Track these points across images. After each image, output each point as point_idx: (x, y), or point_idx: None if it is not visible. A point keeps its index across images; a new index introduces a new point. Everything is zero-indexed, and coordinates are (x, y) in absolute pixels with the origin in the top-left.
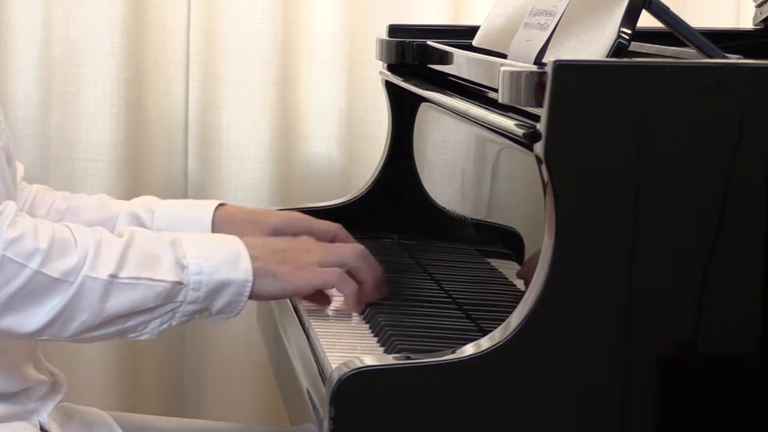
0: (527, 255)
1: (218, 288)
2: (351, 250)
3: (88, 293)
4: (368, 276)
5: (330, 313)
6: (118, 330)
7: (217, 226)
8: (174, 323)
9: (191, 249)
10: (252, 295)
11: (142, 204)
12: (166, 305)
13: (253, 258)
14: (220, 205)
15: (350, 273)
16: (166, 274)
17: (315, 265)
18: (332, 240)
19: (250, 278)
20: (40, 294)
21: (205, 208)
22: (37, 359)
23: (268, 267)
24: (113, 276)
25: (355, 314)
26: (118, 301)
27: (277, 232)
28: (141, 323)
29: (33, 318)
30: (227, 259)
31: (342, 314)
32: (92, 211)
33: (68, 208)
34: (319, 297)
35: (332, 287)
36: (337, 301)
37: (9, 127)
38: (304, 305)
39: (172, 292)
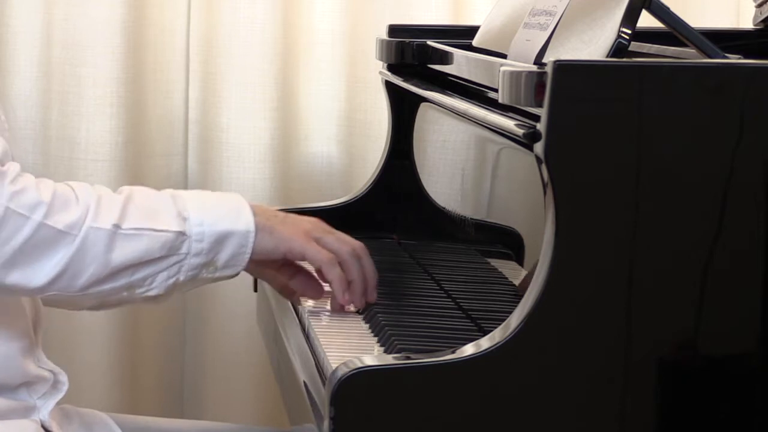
0: (527, 255)
1: (221, 239)
2: (352, 244)
3: (92, 244)
4: (357, 276)
5: (330, 313)
6: (126, 284)
7: None
8: (181, 278)
9: (192, 202)
10: (252, 254)
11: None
12: (171, 257)
13: (254, 213)
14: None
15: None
16: (169, 224)
17: (311, 236)
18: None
19: (252, 229)
20: (45, 247)
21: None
22: (37, 356)
23: (267, 223)
24: (116, 226)
25: (355, 314)
26: (124, 252)
27: None
28: (148, 276)
29: (40, 272)
30: (229, 211)
31: (342, 314)
32: None
33: None
34: (313, 286)
35: (319, 266)
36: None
37: (9, 127)
38: (304, 305)
39: (176, 243)
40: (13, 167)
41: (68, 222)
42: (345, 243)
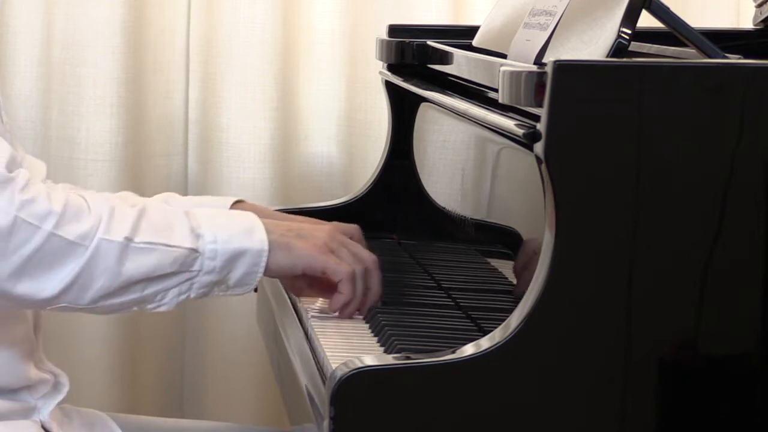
0: (525, 255)
1: (234, 257)
2: (366, 261)
3: (104, 256)
4: (359, 296)
5: (330, 313)
6: (136, 298)
7: None
8: (192, 295)
9: (206, 219)
10: (269, 271)
11: (162, 199)
12: (182, 273)
13: (268, 231)
14: (237, 201)
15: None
16: (182, 240)
17: (328, 248)
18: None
19: (266, 248)
20: (55, 258)
21: (222, 204)
22: (38, 358)
23: (282, 240)
24: (128, 239)
25: (355, 314)
26: (135, 265)
27: None
28: (159, 291)
29: (49, 283)
30: (242, 229)
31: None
32: None
33: None
34: (327, 288)
35: (338, 279)
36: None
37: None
38: (304, 305)
39: (188, 260)
40: (22, 175)
41: (80, 233)
42: (360, 260)
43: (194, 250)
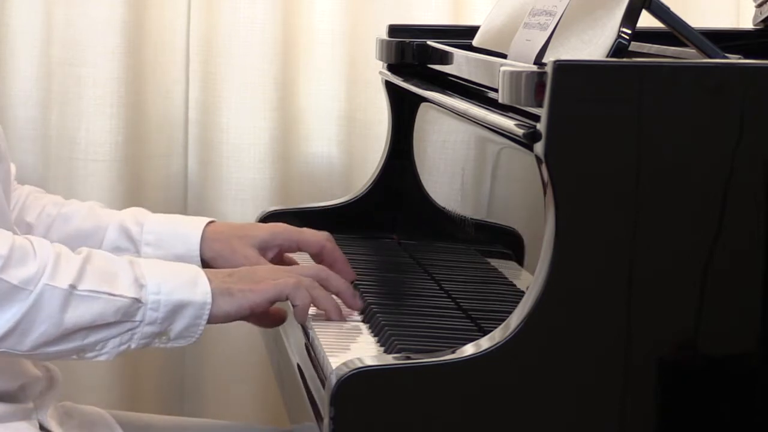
0: (527, 255)
1: (176, 309)
2: (310, 268)
3: (47, 303)
4: (340, 284)
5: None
6: (76, 347)
7: (205, 243)
8: (132, 346)
9: (150, 270)
10: (210, 318)
11: (131, 216)
12: (125, 323)
13: (210, 280)
14: (210, 222)
15: (324, 285)
16: (126, 290)
17: (270, 280)
18: (320, 251)
19: (209, 300)
20: None
21: (195, 226)
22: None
23: (224, 286)
24: (72, 287)
25: (355, 314)
26: (77, 313)
27: (265, 244)
28: (100, 341)
29: None
30: (186, 281)
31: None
32: (82, 219)
33: (58, 214)
34: (274, 317)
35: (285, 298)
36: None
37: (7, 127)
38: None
39: (131, 310)
40: None
41: (24, 277)
42: (302, 271)
43: (137, 300)
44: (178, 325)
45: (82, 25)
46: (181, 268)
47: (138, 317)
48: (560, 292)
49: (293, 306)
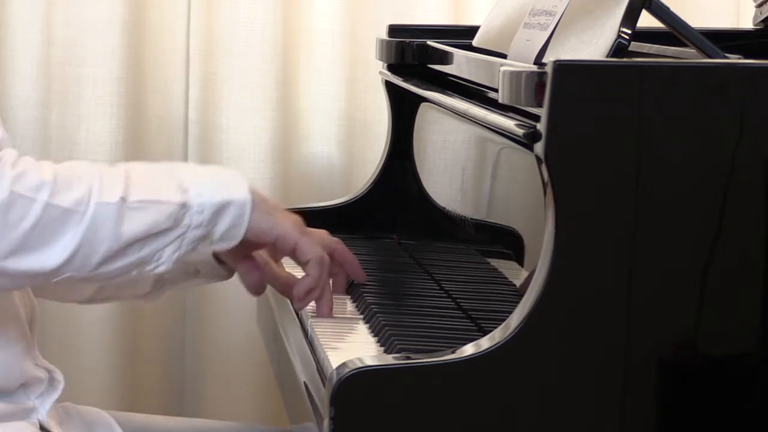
0: (527, 255)
1: (219, 210)
2: (334, 239)
3: (103, 220)
4: (349, 256)
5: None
6: (135, 260)
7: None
8: (182, 252)
9: (190, 174)
10: (247, 230)
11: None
12: (175, 229)
13: (250, 188)
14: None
15: (333, 257)
16: (173, 195)
17: (301, 229)
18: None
19: (249, 199)
20: (54, 227)
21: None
22: (34, 355)
23: (263, 205)
24: (123, 200)
25: (355, 314)
26: (133, 224)
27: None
28: (156, 250)
29: (53, 254)
30: (226, 181)
31: (342, 314)
32: None
33: None
34: (285, 284)
35: (306, 259)
36: (337, 302)
37: (8, 127)
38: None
39: (180, 215)
40: (10, 153)
41: (74, 199)
42: (326, 245)
43: (184, 205)
44: (222, 226)
45: (82, 25)
46: (219, 171)
47: (186, 221)
48: (560, 292)
49: (304, 269)
